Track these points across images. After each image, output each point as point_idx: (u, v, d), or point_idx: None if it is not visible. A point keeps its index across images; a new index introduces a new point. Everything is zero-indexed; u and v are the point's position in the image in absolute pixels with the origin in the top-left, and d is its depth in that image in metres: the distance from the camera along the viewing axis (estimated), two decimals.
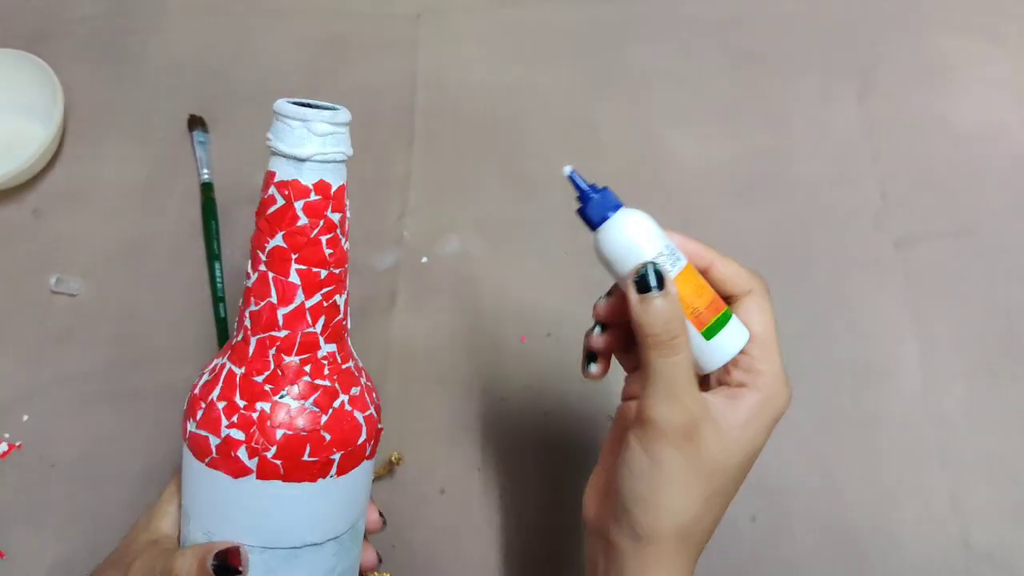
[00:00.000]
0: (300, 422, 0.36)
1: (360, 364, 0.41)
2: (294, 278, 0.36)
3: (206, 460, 0.36)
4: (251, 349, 0.36)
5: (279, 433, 0.36)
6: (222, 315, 0.60)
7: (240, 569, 0.36)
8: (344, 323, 0.39)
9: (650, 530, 0.36)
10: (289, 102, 0.35)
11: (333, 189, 0.36)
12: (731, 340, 0.37)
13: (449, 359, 0.59)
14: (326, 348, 0.38)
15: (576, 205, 0.38)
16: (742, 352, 0.38)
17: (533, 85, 0.70)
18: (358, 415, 0.38)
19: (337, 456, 0.37)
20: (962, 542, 0.54)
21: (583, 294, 0.45)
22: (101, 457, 0.57)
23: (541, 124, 0.68)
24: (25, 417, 0.58)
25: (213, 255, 0.62)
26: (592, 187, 0.37)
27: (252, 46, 0.72)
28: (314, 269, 0.36)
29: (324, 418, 0.37)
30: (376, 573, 0.51)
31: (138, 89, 0.70)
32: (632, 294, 0.36)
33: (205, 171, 0.65)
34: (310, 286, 0.36)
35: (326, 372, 0.37)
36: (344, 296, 0.39)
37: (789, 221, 0.64)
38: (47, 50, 0.68)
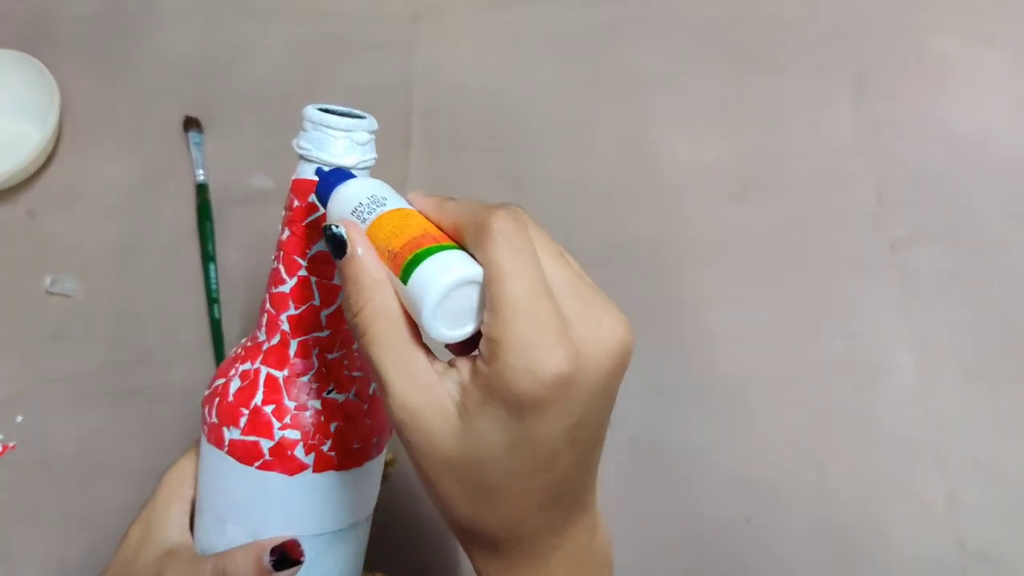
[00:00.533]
0: (348, 413, 0.37)
1: None
2: (336, 280, 0.37)
3: (256, 464, 0.37)
4: (291, 351, 0.37)
5: (333, 426, 0.37)
6: (216, 316, 0.60)
7: (301, 560, 0.37)
8: None
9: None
10: (319, 109, 0.35)
11: None
12: (432, 278, 0.27)
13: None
14: None
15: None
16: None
17: (530, 86, 0.70)
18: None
19: (377, 439, 0.39)
20: (957, 541, 0.54)
21: None
22: (97, 457, 0.57)
23: (538, 125, 0.68)
24: (19, 418, 0.58)
25: (208, 256, 0.62)
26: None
27: (248, 47, 0.72)
28: None
29: (365, 406, 0.38)
30: (373, 574, 0.51)
31: (134, 90, 0.70)
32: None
33: (200, 172, 0.65)
34: None
35: (358, 363, 0.39)
36: None
37: (785, 222, 0.64)
38: (43, 51, 0.67)
